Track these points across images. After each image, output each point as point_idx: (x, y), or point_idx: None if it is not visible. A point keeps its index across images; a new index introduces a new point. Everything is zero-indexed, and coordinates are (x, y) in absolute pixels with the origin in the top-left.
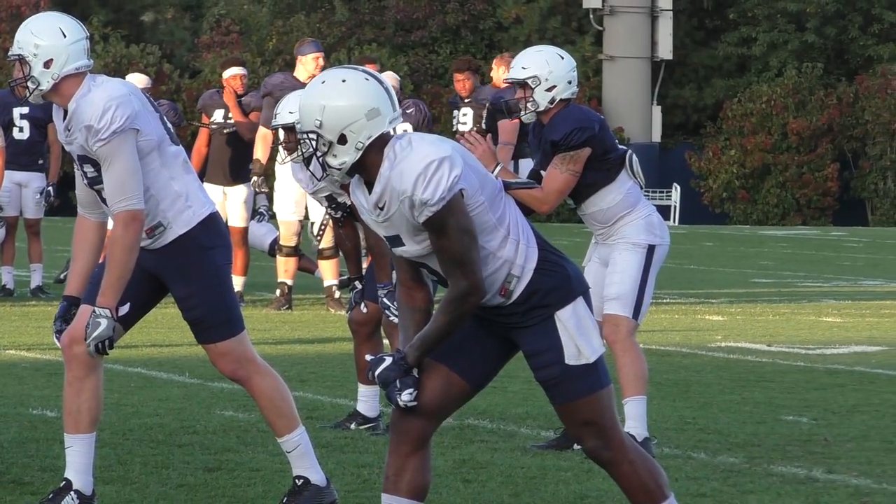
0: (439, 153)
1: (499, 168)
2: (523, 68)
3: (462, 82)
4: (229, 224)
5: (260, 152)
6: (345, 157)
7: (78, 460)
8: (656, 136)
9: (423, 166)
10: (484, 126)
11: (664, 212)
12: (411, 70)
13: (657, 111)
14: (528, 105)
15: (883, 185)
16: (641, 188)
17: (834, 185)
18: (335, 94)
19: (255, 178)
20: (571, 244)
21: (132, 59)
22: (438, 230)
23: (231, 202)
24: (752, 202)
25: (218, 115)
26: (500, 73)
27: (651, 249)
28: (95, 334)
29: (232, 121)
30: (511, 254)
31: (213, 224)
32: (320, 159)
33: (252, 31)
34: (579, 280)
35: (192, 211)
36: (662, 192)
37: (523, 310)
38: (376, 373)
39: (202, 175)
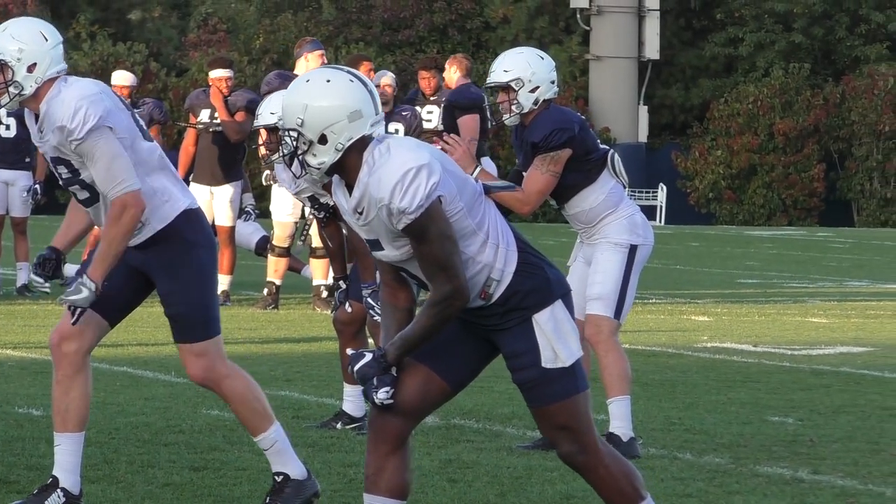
0: (417, 160)
1: (478, 170)
2: (505, 71)
3: (427, 80)
4: (216, 223)
5: None
6: (324, 157)
7: (66, 459)
8: (643, 137)
9: (400, 174)
10: (441, 124)
11: (650, 212)
12: (398, 69)
13: (644, 111)
14: (513, 107)
15: (869, 185)
16: (625, 188)
17: (820, 186)
18: (318, 94)
19: (267, 172)
20: (557, 244)
21: (119, 57)
22: (419, 237)
23: (218, 202)
24: (739, 202)
25: (204, 115)
26: (451, 73)
27: (633, 249)
28: (74, 298)
29: (218, 120)
30: (490, 258)
31: (195, 218)
32: (300, 157)
33: (239, 30)
34: (559, 283)
35: (168, 206)
36: (649, 192)
37: (502, 311)
38: (355, 368)
39: (189, 174)
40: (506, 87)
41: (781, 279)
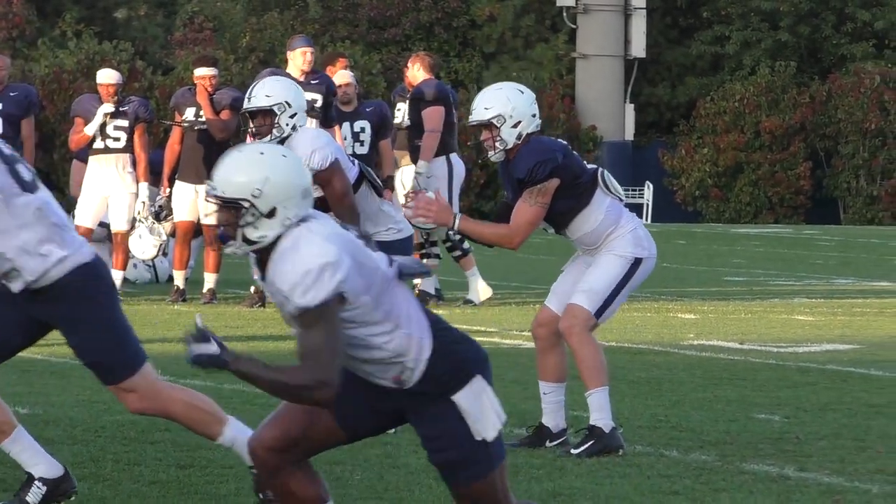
0: (322, 258)
1: (458, 219)
2: (486, 108)
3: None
4: (202, 222)
5: None
6: (267, 230)
7: (22, 457)
8: (629, 135)
9: (300, 274)
10: (408, 118)
11: (637, 210)
12: (385, 68)
13: (630, 109)
14: (497, 144)
15: (855, 183)
16: (622, 201)
17: (806, 184)
18: (279, 168)
19: None
20: (544, 242)
21: (105, 55)
22: (305, 325)
23: (203, 200)
24: (725, 200)
25: (190, 113)
26: (415, 71)
27: (637, 262)
28: None
29: (203, 118)
30: (402, 346)
31: (91, 272)
32: (241, 228)
33: (225, 29)
34: (475, 358)
35: (46, 260)
36: (635, 191)
37: (418, 393)
38: (194, 353)
39: (174, 172)
40: (488, 125)
41: (768, 277)
